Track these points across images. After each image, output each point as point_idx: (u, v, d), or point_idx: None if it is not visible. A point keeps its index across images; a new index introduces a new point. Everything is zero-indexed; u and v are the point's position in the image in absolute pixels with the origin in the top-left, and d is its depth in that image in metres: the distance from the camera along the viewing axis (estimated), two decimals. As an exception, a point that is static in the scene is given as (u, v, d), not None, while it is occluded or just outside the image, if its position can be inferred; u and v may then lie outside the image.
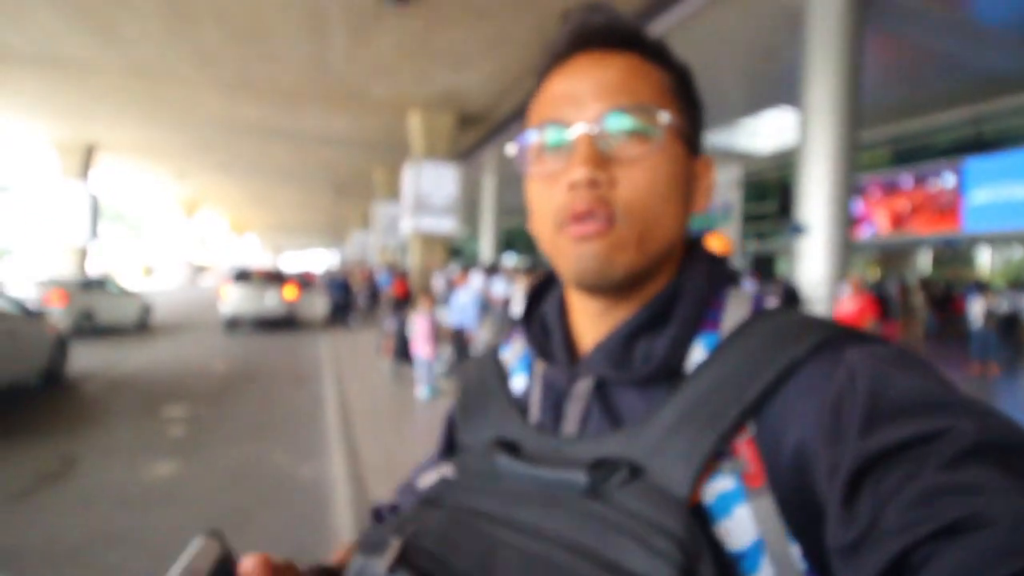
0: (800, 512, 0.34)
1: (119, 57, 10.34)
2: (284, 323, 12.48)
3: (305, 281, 26.62)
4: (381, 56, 9.67)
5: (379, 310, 13.62)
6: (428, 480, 0.42)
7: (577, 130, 0.42)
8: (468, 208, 18.39)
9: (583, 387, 0.43)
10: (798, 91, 6.16)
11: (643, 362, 0.41)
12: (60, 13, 8.70)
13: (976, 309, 8.15)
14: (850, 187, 6.01)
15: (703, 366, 0.39)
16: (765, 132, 13.51)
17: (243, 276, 11.95)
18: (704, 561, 0.31)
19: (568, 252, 0.42)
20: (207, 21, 8.71)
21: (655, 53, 0.46)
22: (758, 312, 0.42)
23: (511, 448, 0.41)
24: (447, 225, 12.12)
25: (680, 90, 0.46)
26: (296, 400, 5.87)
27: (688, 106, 0.46)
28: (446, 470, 0.43)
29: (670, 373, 0.41)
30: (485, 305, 7.14)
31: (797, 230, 5.99)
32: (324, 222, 38.38)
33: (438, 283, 10.95)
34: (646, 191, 0.41)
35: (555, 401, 0.45)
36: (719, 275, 0.46)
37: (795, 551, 0.34)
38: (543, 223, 0.45)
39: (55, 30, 9.35)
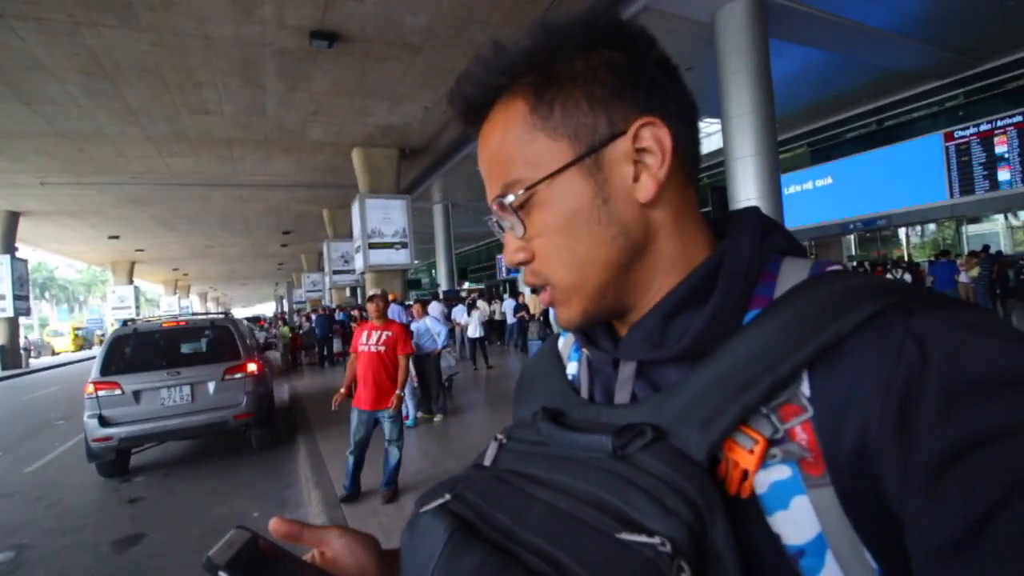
0: (865, 511, 0.31)
1: (41, 121, 9.93)
2: None
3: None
4: (317, 98, 9.69)
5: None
6: (490, 452, 0.44)
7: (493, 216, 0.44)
8: (424, 239, 18.39)
9: (627, 370, 0.42)
10: (718, 102, 6.59)
11: (678, 340, 0.39)
12: (-30, 80, 8.30)
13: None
14: (776, 185, 6.45)
15: (740, 335, 0.36)
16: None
17: None
18: (717, 523, 0.31)
19: None
20: (130, 78, 8.51)
21: (508, 82, 0.41)
22: (813, 277, 0.38)
23: (554, 416, 0.42)
24: (400, 257, 12.07)
25: (541, 97, 0.40)
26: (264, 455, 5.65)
27: (561, 97, 0.40)
28: (501, 438, 0.45)
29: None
30: (451, 329, 7.23)
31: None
32: (273, 269, 37.35)
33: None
34: (555, 252, 0.41)
35: (604, 385, 0.45)
36: (771, 245, 0.41)
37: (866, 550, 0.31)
38: None
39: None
